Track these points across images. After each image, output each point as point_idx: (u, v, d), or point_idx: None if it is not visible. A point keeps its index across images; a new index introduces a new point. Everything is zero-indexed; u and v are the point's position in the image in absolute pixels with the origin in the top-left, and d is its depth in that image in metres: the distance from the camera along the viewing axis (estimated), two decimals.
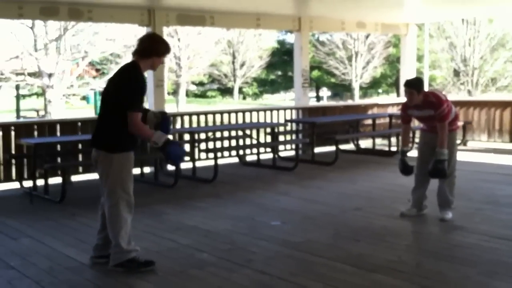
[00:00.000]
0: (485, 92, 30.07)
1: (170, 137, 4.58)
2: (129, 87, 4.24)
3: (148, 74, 9.57)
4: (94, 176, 8.68)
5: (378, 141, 11.59)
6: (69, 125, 8.71)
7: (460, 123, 11.37)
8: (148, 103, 9.66)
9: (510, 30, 30.19)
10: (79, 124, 8.78)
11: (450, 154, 5.69)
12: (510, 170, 8.64)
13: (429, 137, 5.86)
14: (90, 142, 4.51)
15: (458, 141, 11.37)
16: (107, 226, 4.45)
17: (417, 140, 7.96)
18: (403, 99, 6.05)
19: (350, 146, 11.49)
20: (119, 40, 23.53)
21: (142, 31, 9.80)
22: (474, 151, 10.79)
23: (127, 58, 24.68)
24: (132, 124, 4.21)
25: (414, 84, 5.69)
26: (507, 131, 11.23)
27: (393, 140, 10.90)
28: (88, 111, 27.97)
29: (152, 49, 4.37)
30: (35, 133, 8.38)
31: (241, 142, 10.09)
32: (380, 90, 42.07)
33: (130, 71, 4.35)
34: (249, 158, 10.17)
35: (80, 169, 8.65)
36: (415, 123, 7.46)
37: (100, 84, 24.90)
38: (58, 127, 8.54)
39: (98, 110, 4.60)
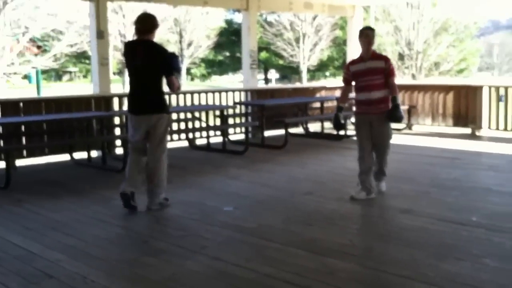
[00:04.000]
0: (428, 76, 30.86)
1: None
2: (176, 58, 5.48)
3: (92, 52, 9.31)
4: (39, 160, 8.52)
5: (327, 124, 11.71)
6: (10, 106, 8.36)
7: (405, 107, 11.73)
8: (93, 83, 9.41)
9: (453, 15, 30.97)
10: (21, 104, 8.45)
11: (389, 131, 6.15)
12: (454, 153, 8.90)
13: (363, 118, 6.10)
14: (145, 110, 5.48)
15: (404, 125, 11.71)
16: (154, 171, 5.57)
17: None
18: (343, 86, 6.38)
19: (299, 130, 11.57)
20: (61, 15, 22.78)
21: (85, 6, 9.49)
22: (419, 135, 11.07)
23: (70, 34, 23.97)
24: (175, 82, 5.42)
25: (373, 29, 6.06)
26: (450, 115, 11.54)
27: None
28: (31, 91, 27.04)
29: (154, 24, 5.50)
30: None
31: (190, 125, 9.98)
32: (327, 73, 42.52)
33: (159, 46, 5.54)
34: (198, 142, 10.10)
35: (24, 152, 8.36)
36: None
37: (42, 62, 24.08)
38: None
39: (135, 83, 5.57)
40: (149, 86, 5.49)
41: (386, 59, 6.05)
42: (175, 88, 5.49)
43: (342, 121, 6.27)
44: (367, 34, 5.94)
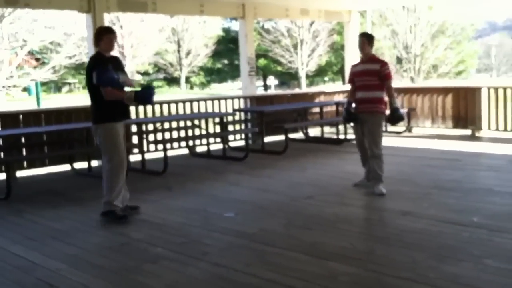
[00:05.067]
0: (427, 79, 30.89)
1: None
2: (93, 70, 5.44)
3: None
4: (40, 171, 8.54)
5: (326, 129, 11.72)
6: (10, 118, 8.38)
7: (404, 110, 11.75)
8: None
9: (449, 17, 31.02)
10: (21, 116, 8.48)
11: (379, 135, 6.52)
12: (454, 155, 8.90)
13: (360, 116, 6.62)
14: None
15: (404, 128, 11.72)
16: (103, 181, 5.62)
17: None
18: (349, 86, 6.87)
19: (299, 135, 11.58)
20: (59, 28, 22.85)
21: (82, 18, 9.51)
22: (419, 137, 11.08)
23: (68, 46, 24.06)
24: (105, 94, 5.43)
25: (367, 35, 6.64)
26: (449, 117, 11.55)
27: (341, 128, 11.04)
28: (30, 103, 27.07)
29: (96, 38, 5.66)
30: None
31: (190, 132, 9.99)
32: (326, 78, 42.59)
33: (91, 58, 5.66)
34: (199, 149, 10.11)
35: (25, 164, 8.38)
36: None
37: (41, 74, 24.13)
38: None
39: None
40: (90, 98, 5.63)
41: (382, 63, 6.57)
42: (108, 97, 5.47)
43: (353, 111, 6.65)
44: (359, 41, 6.57)
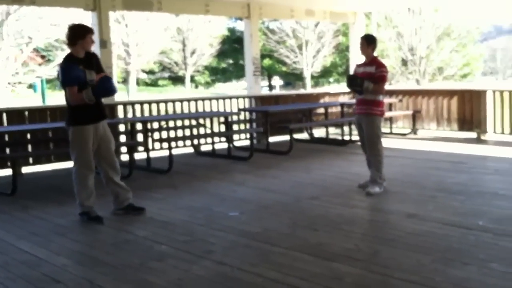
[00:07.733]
0: (432, 81, 30.81)
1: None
2: (59, 71, 5.39)
3: None
4: (45, 167, 8.55)
5: (331, 130, 11.72)
6: (16, 114, 8.43)
7: (409, 112, 11.77)
8: None
9: (455, 20, 30.94)
10: (26, 113, 8.51)
11: (376, 136, 6.54)
12: (459, 158, 8.88)
13: (356, 118, 6.80)
14: None
15: (409, 130, 11.72)
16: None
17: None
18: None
19: (304, 135, 11.58)
20: (64, 25, 22.88)
21: (87, 16, 9.53)
22: (424, 140, 11.06)
23: None
24: (68, 96, 5.37)
25: (367, 37, 6.63)
26: (455, 120, 11.53)
27: (346, 129, 11.03)
28: (35, 100, 27.12)
29: (74, 36, 5.41)
30: None
31: (195, 131, 10.00)
32: (331, 79, 42.53)
33: (62, 60, 5.52)
34: (203, 148, 10.11)
35: (30, 160, 8.40)
36: None
37: (46, 71, 24.18)
38: (4, 116, 8.24)
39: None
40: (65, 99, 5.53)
41: (378, 65, 6.48)
42: (71, 99, 5.37)
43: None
44: (360, 43, 6.57)
